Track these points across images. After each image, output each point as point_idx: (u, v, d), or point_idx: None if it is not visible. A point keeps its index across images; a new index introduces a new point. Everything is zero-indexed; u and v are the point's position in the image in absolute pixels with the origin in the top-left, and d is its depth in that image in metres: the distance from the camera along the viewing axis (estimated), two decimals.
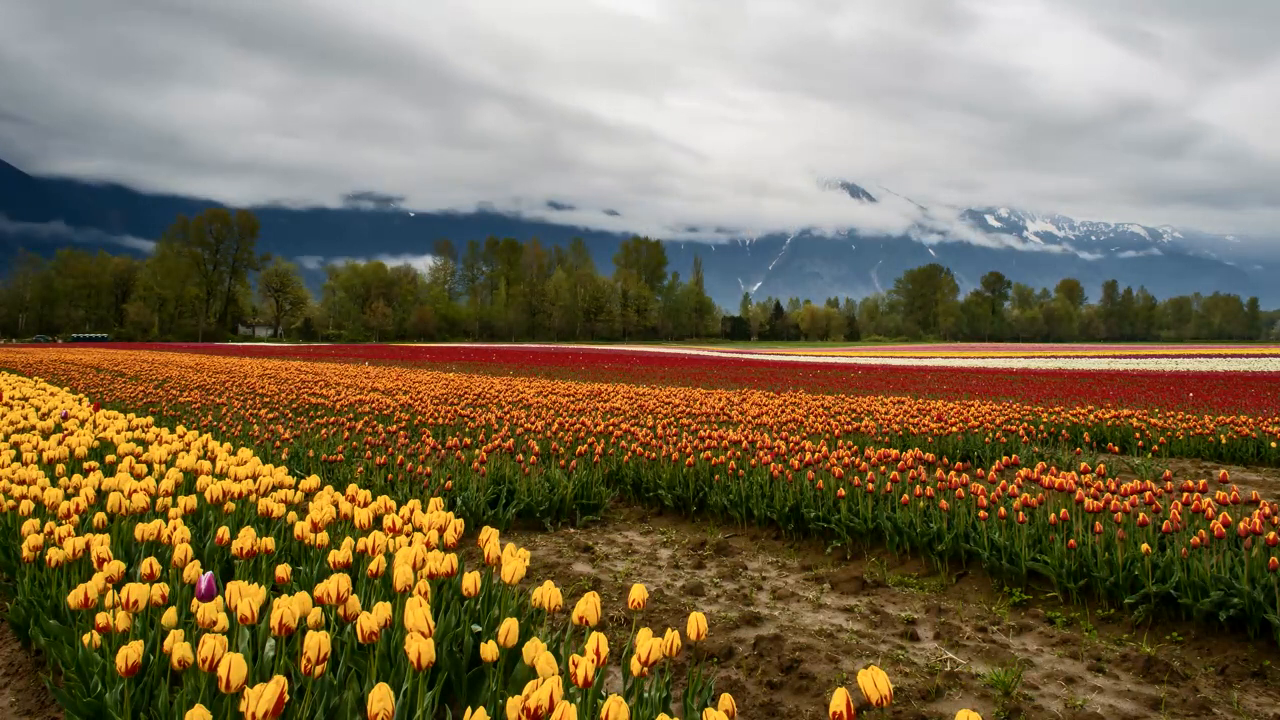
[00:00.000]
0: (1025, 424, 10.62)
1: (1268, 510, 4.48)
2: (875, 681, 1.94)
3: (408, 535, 3.84)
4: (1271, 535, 4.06)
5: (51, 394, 12.61)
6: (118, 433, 7.01)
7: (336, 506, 4.20)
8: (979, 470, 7.08)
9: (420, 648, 2.37)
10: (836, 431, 9.41)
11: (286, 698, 2.02)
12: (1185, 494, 5.02)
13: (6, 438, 7.05)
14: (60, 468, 5.50)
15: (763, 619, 4.34)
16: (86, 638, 2.89)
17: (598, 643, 2.29)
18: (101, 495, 4.58)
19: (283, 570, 3.25)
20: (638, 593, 2.80)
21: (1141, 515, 4.63)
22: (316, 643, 2.39)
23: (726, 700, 2.21)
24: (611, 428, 8.97)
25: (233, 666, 2.14)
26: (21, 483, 4.78)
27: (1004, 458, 6.86)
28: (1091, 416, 11.78)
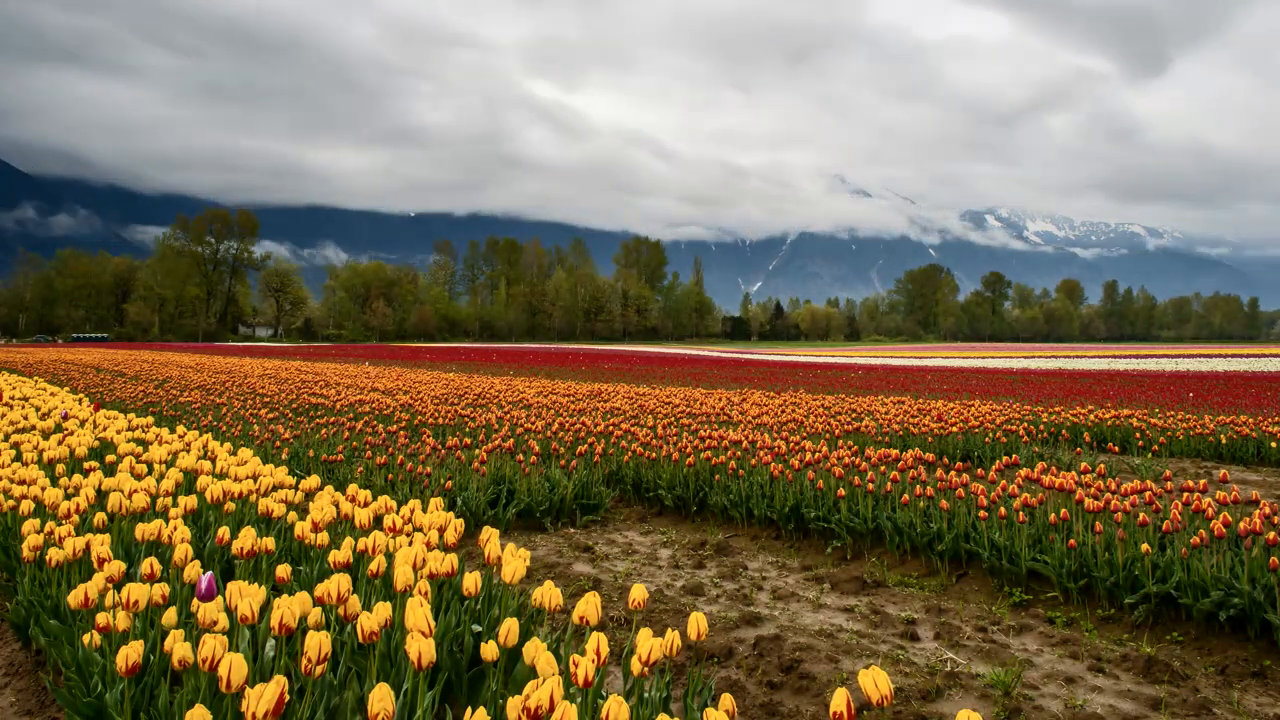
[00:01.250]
0: (1025, 424, 10.61)
1: (1268, 510, 4.48)
2: (875, 681, 1.94)
3: (408, 535, 3.84)
4: (1271, 535, 4.06)
5: (51, 394, 12.61)
6: (118, 433, 7.01)
7: (337, 506, 4.20)
8: (979, 470, 7.07)
9: (421, 648, 2.37)
10: (837, 431, 9.40)
11: (287, 698, 2.02)
12: (1185, 494, 5.01)
13: (7, 438, 7.05)
14: (60, 468, 5.50)
15: (763, 619, 4.34)
16: (86, 638, 2.89)
17: (598, 643, 2.29)
18: (102, 495, 4.58)
19: (283, 570, 3.25)
20: (638, 593, 2.80)
21: (1141, 515, 4.63)
22: (317, 643, 2.39)
23: (727, 700, 2.21)
24: (611, 428, 8.97)
25: (233, 666, 2.14)
26: (22, 483, 4.78)
27: (1004, 458, 6.86)
28: (1092, 416, 11.78)
